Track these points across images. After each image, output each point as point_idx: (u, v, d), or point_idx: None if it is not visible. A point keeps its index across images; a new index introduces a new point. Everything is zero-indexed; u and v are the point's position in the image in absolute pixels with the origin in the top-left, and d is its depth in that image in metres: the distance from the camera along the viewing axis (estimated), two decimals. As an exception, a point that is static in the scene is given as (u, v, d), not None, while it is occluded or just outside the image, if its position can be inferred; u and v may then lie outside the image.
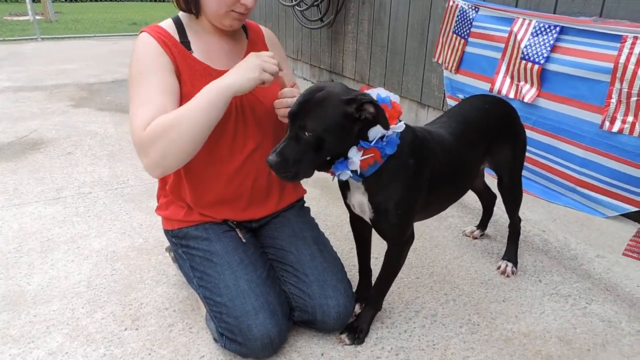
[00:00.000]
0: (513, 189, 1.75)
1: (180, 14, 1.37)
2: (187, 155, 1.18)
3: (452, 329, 1.52)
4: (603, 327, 1.53)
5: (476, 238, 2.07)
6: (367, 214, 1.33)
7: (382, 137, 1.18)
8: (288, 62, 1.57)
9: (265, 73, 1.20)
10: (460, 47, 2.94)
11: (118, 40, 8.38)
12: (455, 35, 2.97)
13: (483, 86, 2.78)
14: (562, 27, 2.30)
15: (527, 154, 2.56)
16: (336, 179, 1.27)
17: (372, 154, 1.18)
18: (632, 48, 2.01)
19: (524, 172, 2.54)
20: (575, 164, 2.31)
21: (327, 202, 2.39)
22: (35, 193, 2.42)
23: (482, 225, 2.07)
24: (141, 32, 1.28)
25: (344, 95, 1.14)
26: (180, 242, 1.45)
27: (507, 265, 1.80)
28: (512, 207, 1.79)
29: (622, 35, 2.05)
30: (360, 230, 1.56)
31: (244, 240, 1.43)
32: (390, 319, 1.56)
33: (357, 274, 1.64)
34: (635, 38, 2.00)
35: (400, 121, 1.23)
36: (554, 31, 2.33)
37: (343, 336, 1.43)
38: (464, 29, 2.89)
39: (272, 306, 1.32)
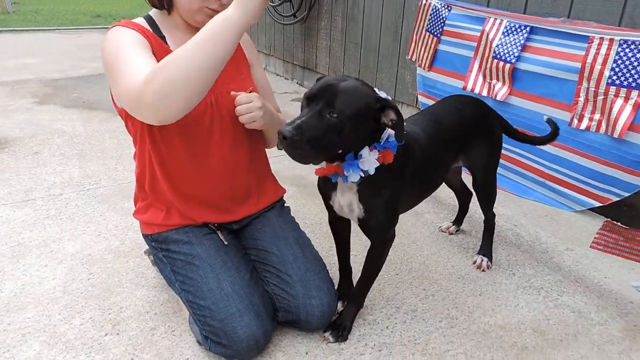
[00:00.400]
0: (487, 186, 1.80)
1: (152, 11, 1.35)
2: (190, 95, 1.02)
3: (432, 324, 1.55)
4: (574, 317, 1.60)
5: (452, 234, 2.12)
6: (355, 214, 1.34)
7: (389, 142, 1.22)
8: (261, 57, 1.57)
9: None
10: (433, 45, 2.98)
11: (82, 33, 8.12)
12: (428, 34, 3.02)
13: (456, 84, 2.84)
14: (532, 27, 2.37)
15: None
16: (317, 179, 1.28)
17: (384, 156, 1.20)
18: (598, 48, 2.10)
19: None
20: (546, 160, 2.40)
21: (304, 201, 2.39)
22: (2, 195, 2.33)
23: (458, 221, 2.13)
24: (112, 26, 1.24)
25: (378, 94, 1.16)
26: (161, 246, 1.43)
27: (482, 260, 1.86)
28: (487, 204, 1.85)
29: (589, 36, 2.13)
30: (340, 231, 1.58)
31: (225, 243, 1.43)
32: (372, 315, 1.58)
33: (338, 272, 1.65)
34: (602, 39, 2.08)
35: None
36: (524, 31, 2.40)
37: (327, 334, 1.45)
38: (437, 28, 2.93)
39: (257, 307, 1.32)
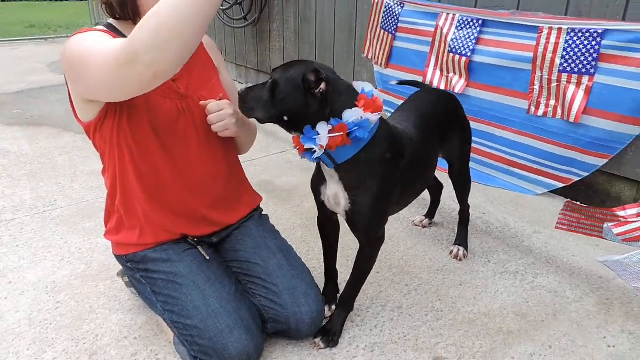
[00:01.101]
0: (464, 176, 1.86)
1: (111, 20, 1.28)
2: (186, 40, 0.90)
3: (418, 318, 1.57)
4: (551, 297, 1.66)
5: (425, 227, 2.15)
6: (341, 206, 1.33)
7: (354, 122, 1.21)
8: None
9: None
10: (388, 42, 3.02)
11: (17, 45, 7.66)
12: (383, 31, 3.05)
13: (413, 79, 2.88)
14: (484, 20, 2.44)
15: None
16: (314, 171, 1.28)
17: (341, 133, 1.19)
18: (548, 38, 2.19)
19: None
20: (507, 147, 2.48)
21: (275, 207, 2.36)
22: (-53, 226, 2.15)
23: (430, 214, 2.16)
24: (72, 35, 1.15)
25: (317, 67, 1.21)
26: (138, 267, 1.36)
27: (459, 250, 1.90)
28: (463, 193, 1.90)
29: (538, 27, 2.21)
30: (328, 232, 1.56)
31: (207, 258, 1.38)
32: (360, 316, 1.58)
33: (319, 275, 1.63)
34: (551, 29, 2.17)
35: (378, 114, 1.25)
36: (477, 24, 2.47)
37: (317, 340, 1.43)
38: (391, 25, 2.97)
39: (246, 321, 1.28)
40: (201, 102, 1.30)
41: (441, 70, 2.71)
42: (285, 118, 1.23)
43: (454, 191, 1.91)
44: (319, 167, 1.39)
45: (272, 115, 1.23)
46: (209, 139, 1.36)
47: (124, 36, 1.23)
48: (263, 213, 1.62)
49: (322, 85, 1.19)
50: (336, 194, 1.33)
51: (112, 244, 1.43)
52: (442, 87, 2.70)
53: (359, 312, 1.60)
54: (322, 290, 1.59)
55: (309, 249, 1.99)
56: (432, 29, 2.70)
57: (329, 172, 1.31)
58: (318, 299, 1.41)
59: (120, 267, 1.56)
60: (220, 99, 1.33)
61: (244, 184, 1.55)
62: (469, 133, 1.82)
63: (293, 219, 2.25)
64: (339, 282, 1.64)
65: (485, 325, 1.53)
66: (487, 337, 1.48)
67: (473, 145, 2.62)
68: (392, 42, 3.00)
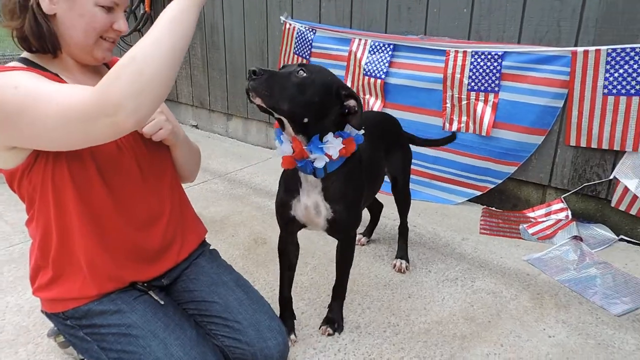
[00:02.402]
0: (406, 192, 1.96)
1: (25, 54, 1.15)
2: (165, 86, 0.91)
3: (378, 336, 1.58)
4: (492, 299, 1.78)
5: (364, 244, 2.19)
6: (322, 215, 1.38)
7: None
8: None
9: None
10: (303, 67, 3.07)
11: None
12: (296, 56, 3.11)
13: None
14: (395, 45, 2.60)
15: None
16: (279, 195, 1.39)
17: (346, 145, 1.28)
18: (455, 60, 2.39)
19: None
20: (428, 162, 2.64)
21: (208, 239, 2.24)
22: None
23: (369, 232, 2.21)
24: None
25: (342, 82, 1.30)
26: (80, 323, 1.20)
27: (401, 263, 1.96)
28: (405, 208, 1.99)
29: (446, 50, 2.41)
30: (290, 254, 1.58)
31: (161, 302, 1.26)
32: (321, 342, 1.55)
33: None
34: (457, 52, 2.38)
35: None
36: (388, 49, 2.62)
37: (324, 327, 1.59)
38: (305, 50, 3.04)
39: (214, 366, 1.19)
40: None
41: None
42: (306, 120, 1.22)
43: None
44: (290, 182, 1.40)
45: (294, 111, 1.19)
46: (152, 172, 1.28)
47: (47, 71, 1.11)
48: (212, 248, 1.54)
49: (353, 102, 1.25)
50: (317, 204, 1.37)
51: (43, 302, 1.26)
52: (360, 108, 2.81)
53: (319, 337, 1.57)
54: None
55: (253, 280, 1.92)
56: (346, 54, 2.82)
57: (313, 183, 1.35)
58: (282, 330, 1.37)
59: (51, 326, 1.38)
60: None
61: (191, 214, 1.46)
62: (409, 153, 1.94)
63: (230, 250, 2.16)
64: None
65: (441, 333, 1.59)
66: (445, 344, 1.54)
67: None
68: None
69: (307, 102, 1.19)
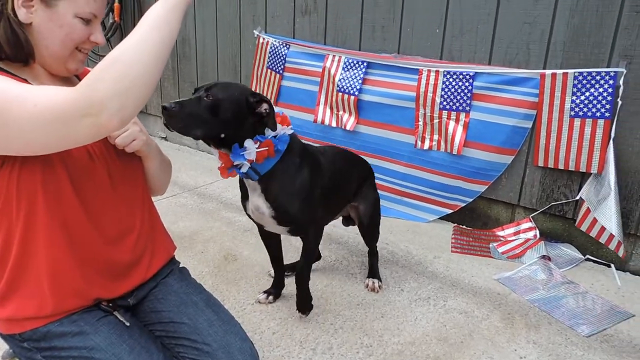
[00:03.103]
0: (374, 222, 1.99)
1: None
2: (150, 86, 0.89)
3: (351, 357, 1.55)
4: (463, 319, 1.78)
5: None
6: (266, 214, 1.51)
7: (275, 137, 1.43)
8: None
9: None
10: (276, 82, 3.06)
11: None
12: (270, 70, 3.09)
13: (306, 117, 2.95)
14: (369, 62, 2.62)
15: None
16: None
17: (267, 147, 1.39)
18: (427, 79, 2.42)
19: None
20: (399, 179, 2.64)
21: (176, 255, 2.17)
22: None
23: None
24: None
25: (250, 90, 1.42)
26: (39, 346, 1.12)
27: (373, 282, 1.94)
28: (371, 240, 2.02)
29: (418, 69, 2.44)
30: (271, 242, 1.80)
31: (127, 324, 1.19)
32: (292, 365, 1.51)
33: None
34: (429, 71, 2.41)
35: (290, 128, 1.51)
36: (362, 66, 2.64)
37: (300, 314, 1.74)
38: (278, 65, 3.02)
39: (182, 392, 1.13)
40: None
41: (331, 108, 2.82)
42: (223, 135, 1.35)
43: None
44: (242, 187, 1.58)
45: (212, 133, 1.33)
46: (124, 184, 1.22)
47: (15, 76, 1.05)
48: (182, 266, 1.47)
49: (265, 106, 1.37)
50: (258, 206, 1.51)
51: (-2, 323, 1.17)
52: (334, 124, 2.81)
53: (291, 359, 1.52)
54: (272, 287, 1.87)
55: (223, 298, 1.86)
56: (320, 70, 2.82)
57: (252, 186, 1.49)
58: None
59: (6, 348, 1.28)
60: None
61: (160, 229, 1.40)
62: (378, 201, 1.99)
63: (199, 267, 2.09)
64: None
65: (414, 354, 1.57)
66: (419, 366, 1.52)
67: (367, 178, 2.77)
68: (280, 82, 3.05)
69: (220, 121, 1.32)
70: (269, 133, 1.41)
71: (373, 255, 2.03)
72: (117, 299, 1.24)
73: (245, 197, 1.57)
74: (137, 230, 1.26)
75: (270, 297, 1.85)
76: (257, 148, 1.38)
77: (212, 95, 1.31)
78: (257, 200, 1.50)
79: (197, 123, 1.29)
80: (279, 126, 1.43)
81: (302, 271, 1.71)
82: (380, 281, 1.97)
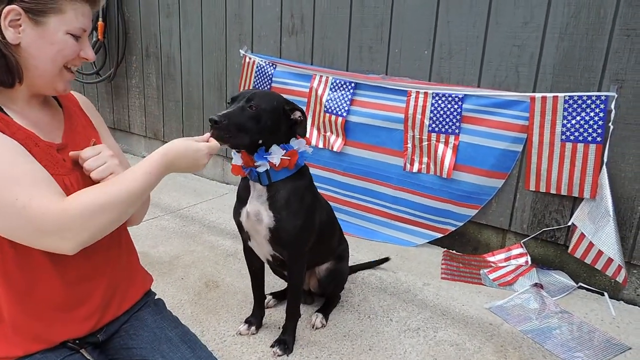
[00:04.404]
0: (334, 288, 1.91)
1: None
2: (118, 224, 1.03)
3: (337, 396, 1.45)
4: (455, 352, 1.69)
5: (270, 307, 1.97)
6: (264, 223, 1.50)
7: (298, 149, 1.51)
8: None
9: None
10: (262, 101, 3.00)
11: None
12: (256, 90, 3.03)
13: (292, 138, 2.88)
14: (357, 83, 2.58)
15: (344, 197, 2.75)
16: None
17: (290, 157, 1.47)
18: (416, 101, 2.38)
19: (343, 215, 2.72)
20: (387, 202, 2.58)
21: (154, 282, 2.06)
22: None
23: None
24: None
25: (284, 98, 1.52)
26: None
27: (317, 317, 1.81)
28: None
29: (407, 90, 2.40)
30: (254, 260, 1.73)
31: (94, 364, 1.10)
32: (274, 404, 1.40)
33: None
34: (418, 92, 2.37)
35: (310, 147, 1.58)
36: (350, 87, 2.59)
37: (275, 349, 1.62)
38: (265, 84, 2.97)
39: None
40: (71, 153, 1.07)
41: (318, 130, 2.76)
42: (261, 142, 1.43)
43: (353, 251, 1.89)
44: (242, 192, 1.56)
45: (254, 141, 1.41)
46: None
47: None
48: (157, 297, 1.38)
49: (299, 114, 1.49)
50: (258, 211, 1.50)
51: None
52: (321, 145, 2.74)
53: (272, 399, 1.42)
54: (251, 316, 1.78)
55: (202, 329, 1.75)
56: (307, 90, 2.76)
57: (259, 191, 1.50)
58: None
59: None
60: (94, 144, 1.12)
61: (135, 262, 1.31)
62: (344, 274, 1.92)
63: (179, 294, 1.99)
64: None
65: (404, 391, 1.48)
66: (409, 405, 1.42)
67: (355, 201, 2.70)
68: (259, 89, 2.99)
69: (261, 129, 1.41)
70: (294, 144, 1.50)
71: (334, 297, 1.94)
72: (86, 335, 1.14)
73: (242, 203, 1.56)
74: (110, 267, 1.18)
75: (252, 328, 1.74)
76: (282, 155, 1.45)
77: (255, 105, 1.39)
78: (260, 207, 1.50)
79: (243, 132, 1.37)
80: (302, 141, 1.52)
81: (290, 310, 1.67)
82: (326, 319, 1.83)
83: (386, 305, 1.98)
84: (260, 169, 1.45)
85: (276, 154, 1.44)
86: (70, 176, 1.04)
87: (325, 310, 1.87)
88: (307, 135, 2.78)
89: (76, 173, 1.06)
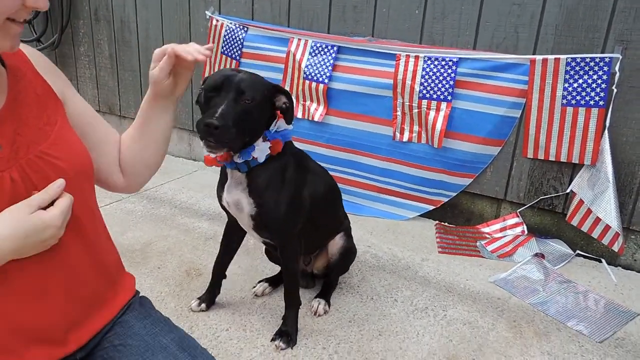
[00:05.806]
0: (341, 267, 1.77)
1: None
2: None
3: (353, 390, 1.32)
4: (469, 330, 1.59)
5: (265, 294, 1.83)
6: (245, 211, 1.37)
7: (277, 131, 1.34)
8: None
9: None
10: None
11: None
12: (224, 56, 2.77)
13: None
14: (339, 46, 2.38)
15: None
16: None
17: (273, 145, 1.32)
18: (406, 65, 2.22)
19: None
20: (375, 174, 2.43)
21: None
22: None
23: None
24: None
25: (267, 81, 1.30)
26: None
27: (319, 304, 1.66)
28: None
29: (396, 54, 2.23)
30: (231, 239, 1.61)
31: (74, 386, 0.89)
32: (287, 406, 1.25)
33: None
34: (407, 56, 2.21)
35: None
36: (332, 51, 2.39)
37: (277, 342, 1.46)
38: (234, 50, 2.71)
39: None
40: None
41: (297, 98, 2.55)
42: (247, 139, 1.27)
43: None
44: (222, 174, 1.43)
45: (245, 140, 1.26)
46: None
47: None
48: (142, 295, 1.16)
49: (284, 99, 1.31)
50: (238, 200, 1.36)
51: None
52: (299, 115, 2.54)
53: (284, 400, 1.27)
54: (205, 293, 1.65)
55: (191, 325, 1.56)
56: (283, 55, 2.54)
57: (237, 178, 1.36)
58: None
59: None
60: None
61: (118, 263, 1.08)
62: (351, 251, 1.76)
63: (157, 286, 1.77)
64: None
65: (424, 379, 1.37)
66: (433, 394, 1.31)
67: (341, 175, 2.53)
68: (237, 68, 2.73)
69: (253, 122, 1.25)
70: (274, 127, 1.33)
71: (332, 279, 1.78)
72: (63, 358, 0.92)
73: (222, 186, 1.42)
74: (94, 272, 0.96)
75: (203, 305, 1.63)
76: (269, 146, 1.31)
77: (251, 98, 1.21)
78: (239, 194, 1.36)
79: (242, 132, 1.21)
80: (282, 122, 1.35)
81: (288, 299, 1.54)
82: (329, 304, 1.69)
83: (387, 284, 1.85)
84: (237, 159, 1.31)
85: (262, 151, 1.30)
86: (13, 170, 0.78)
87: (326, 295, 1.71)
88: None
89: (21, 164, 0.80)
